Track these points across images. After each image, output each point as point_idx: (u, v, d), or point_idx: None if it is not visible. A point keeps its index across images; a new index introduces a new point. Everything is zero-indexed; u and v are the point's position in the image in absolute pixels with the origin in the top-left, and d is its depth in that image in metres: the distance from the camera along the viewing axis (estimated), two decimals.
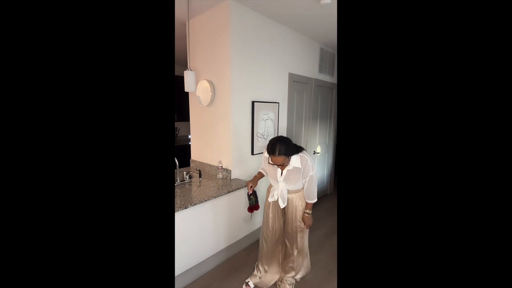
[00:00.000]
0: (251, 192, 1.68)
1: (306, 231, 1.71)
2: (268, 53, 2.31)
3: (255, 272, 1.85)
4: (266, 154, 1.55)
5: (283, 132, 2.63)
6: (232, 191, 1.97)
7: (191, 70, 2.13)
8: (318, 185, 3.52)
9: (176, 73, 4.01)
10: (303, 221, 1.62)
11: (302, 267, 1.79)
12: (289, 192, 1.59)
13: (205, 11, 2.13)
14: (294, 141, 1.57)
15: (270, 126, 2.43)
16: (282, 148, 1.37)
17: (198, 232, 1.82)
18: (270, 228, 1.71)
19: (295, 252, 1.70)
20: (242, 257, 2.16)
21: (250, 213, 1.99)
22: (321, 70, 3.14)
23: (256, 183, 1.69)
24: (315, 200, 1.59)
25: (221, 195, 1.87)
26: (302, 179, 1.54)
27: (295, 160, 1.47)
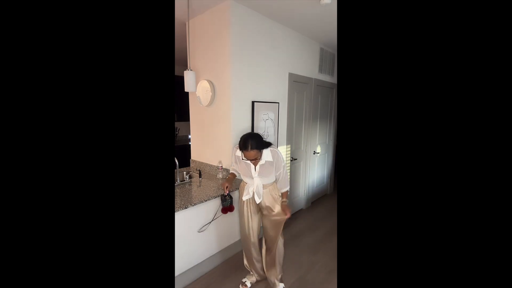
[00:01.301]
0: (227, 193, 1.72)
1: (281, 224, 1.69)
2: (268, 53, 2.31)
3: (251, 272, 1.87)
4: (237, 153, 1.62)
5: (283, 132, 2.63)
6: (232, 191, 1.97)
7: (191, 70, 2.13)
8: (318, 185, 3.52)
9: (176, 73, 4.01)
10: (284, 210, 1.62)
11: (280, 253, 1.79)
12: (263, 186, 1.63)
13: (205, 11, 2.13)
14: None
15: (270, 126, 2.43)
16: (253, 143, 1.46)
17: (198, 232, 1.82)
18: (248, 226, 1.72)
19: (275, 243, 1.71)
20: (242, 257, 2.16)
21: (223, 214, 1.93)
22: (321, 70, 3.14)
23: (232, 184, 1.75)
24: (288, 187, 1.68)
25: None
26: (275, 172, 1.60)
27: (266, 155, 1.56)
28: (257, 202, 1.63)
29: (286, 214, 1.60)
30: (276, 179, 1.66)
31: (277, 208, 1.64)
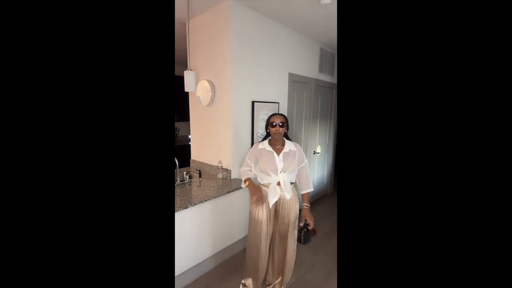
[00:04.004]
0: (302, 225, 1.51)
1: (295, 232, 1.62)
2: (268, 53, 2.31)
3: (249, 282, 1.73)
4: (260, 146, 1.58)
5: None
6: (232, 191, 1.97)
7: (191, 70, 2.13)
8: (318, 185, 3.52)
9: (176, 73, 4.01)
10: (306, 217, 1.50)
11: (290, 272, 1.69)
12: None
13: (205, 11, 2.13)
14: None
15: None
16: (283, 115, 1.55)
17: (198, 232, 1.82)
18: (263, 233, 1.55)
19: (289, 253, 1.61)
20: (242, 257, 2.16)
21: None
22: (321, 70, 3.14)
23: (260, 190, 1.54)
24: (312, 188, 1.62)
25: (221, 195, 1.87)
26: (298, 165, 1.57)
27: (289, 144, 1.57)
28: (288, 198, 1.51)
29: (306, 221, 1.47)
30: (297, 179, 1.61)
31: (292, 215, 1.55)
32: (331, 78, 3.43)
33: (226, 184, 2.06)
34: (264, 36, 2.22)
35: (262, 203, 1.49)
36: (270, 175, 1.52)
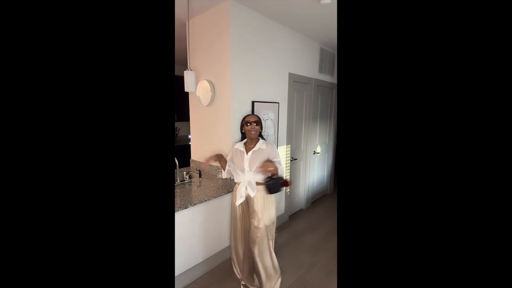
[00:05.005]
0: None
1: (271, 246, 1.57)
2: (268, 53, 2.31)
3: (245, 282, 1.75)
4: (236, 146, 1.68)
5: (283, 132, 2.63)
6: (232, 191, 1.97)
7: (191, 70, 2.13)
8: (318, 185, 3.52)
9: (176, 73, 4.01)
10: (263, 166, 1.43)
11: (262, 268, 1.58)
12: (256, 184, 1.55)
13: (205, 11, 2.13)
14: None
15: (270, 126, 2.43)
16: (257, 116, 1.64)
17: (198, 232, 1.82)
18: (241, 231, 1.65)
19: (259, 265, 1.55)
20: None
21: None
22: (321, 70, 3.14)
23: (220, 158, 1.75)
24: (282, 174, 1.55)
25: (221, 195, 1.88)
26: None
27: (261, 143, 1.61)
28: (252, 196, 1.53)
29: (263, 167, 1.42)
30: None
31: (266, 219, 1.53)
32: (331, 78, 3.43)
33: (226, 184, 2.06)
34: (264, 36, 2.22)
35: (208, 160, 1.75)
36: (239, 174, 1.61)
